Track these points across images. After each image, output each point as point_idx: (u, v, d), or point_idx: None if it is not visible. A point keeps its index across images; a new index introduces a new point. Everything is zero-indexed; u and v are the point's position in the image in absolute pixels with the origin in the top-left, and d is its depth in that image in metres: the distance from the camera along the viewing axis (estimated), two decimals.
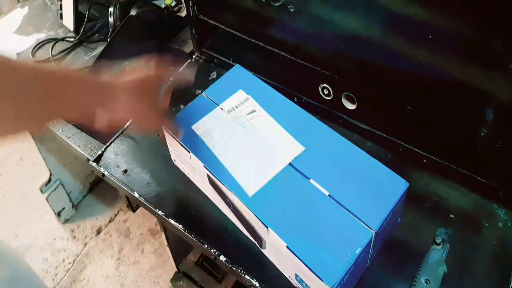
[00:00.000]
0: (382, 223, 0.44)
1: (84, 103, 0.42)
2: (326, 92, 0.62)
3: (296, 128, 0.52)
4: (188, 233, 0.55)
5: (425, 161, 0.57)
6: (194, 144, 0.52)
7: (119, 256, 1.26)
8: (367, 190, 0.47)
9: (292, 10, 0.55)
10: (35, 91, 0.36)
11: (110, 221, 1.34)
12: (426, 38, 0.45)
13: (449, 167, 0.55)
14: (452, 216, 0.53)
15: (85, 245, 1.29)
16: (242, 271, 0.51)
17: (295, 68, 0.62)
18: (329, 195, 0.46)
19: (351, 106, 0.60)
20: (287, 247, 0.43)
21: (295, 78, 0.66)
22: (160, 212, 0.57)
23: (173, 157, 0.60)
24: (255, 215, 0.46)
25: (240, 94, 0.56)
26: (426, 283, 0.46)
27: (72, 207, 1.33)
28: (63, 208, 1.30)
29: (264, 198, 0.47)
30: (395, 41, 0.48)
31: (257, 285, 0.50)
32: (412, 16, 0.44)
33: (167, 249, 0.88)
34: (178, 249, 0.91)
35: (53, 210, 1.27)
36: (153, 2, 0.89)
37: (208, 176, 0.51)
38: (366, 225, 0.44)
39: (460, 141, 0.51)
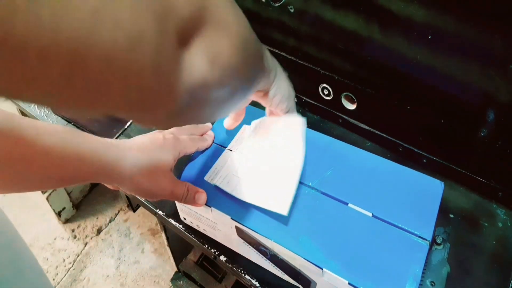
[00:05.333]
0: (434, 230, 0.43)
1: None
2: (326, 92, 0.62)
3: (314, 152, 0.50)
4: (188, 233, 0.55)
5: (425, 161, 0.57)
6: (213, 197, 0.47)
7: (119, 255, 1.26)
8: (406, 200, 0.45)
9: (292, 10, 0.55)
10: None
11: (110, 221, 1.34)
12: (426, 38, 0.45)
13: (449, 167, 0.55)
14: (451, 216, 0.53)
15: (86, 244, 1.29)
16: (242, 271, 0.51)
17: (295, 68, 0.62)
18: (372, 216, 0.44)
19: (351, 106, 0.60)
20: (349, 283, 0.40)
21: (295, 78, 0.65)
22: (160, 212, 0.57)
23: (182, 215, 0.54)
24: (304, 258, 0.42)
25: (245, 130, 0.53)
26: (432, 285, 0.46)
27: (73, 207, 1.33)
28: (64, 208, 1.30)
29: (308, 237, 0.43)
30: (395, 41, 0.48)
31: (257, 285, 0.50)
32: (412, 16, 0.44)
33: (167, 248, 0.89)
34: (178, 249, 0.91)
35: (54, 210, 1.27)
36: None
37: (237, 228, 0.47)
38: (420, 236, 0.42)
39: (460, 141, 0.51)
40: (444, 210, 0.54)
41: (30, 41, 0.14)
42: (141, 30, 0.17)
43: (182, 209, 0.52)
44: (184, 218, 0.54)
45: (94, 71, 0.17)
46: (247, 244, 0.49)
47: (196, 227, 0.54)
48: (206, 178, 0.49)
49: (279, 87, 0.42)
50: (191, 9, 0.21)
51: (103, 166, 0.41)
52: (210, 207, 0.47)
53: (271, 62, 0.39)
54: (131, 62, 0.18)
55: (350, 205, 0.45)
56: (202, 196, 0.47)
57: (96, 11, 0.16)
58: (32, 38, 0.14)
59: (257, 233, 0.44)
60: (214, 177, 0.49)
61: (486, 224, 0.52)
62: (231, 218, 0.46)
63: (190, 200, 0.46)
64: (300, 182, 0.48)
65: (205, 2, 0.22)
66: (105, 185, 0.44)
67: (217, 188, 0.48)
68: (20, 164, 0.36)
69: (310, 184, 0.48)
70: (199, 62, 0.22)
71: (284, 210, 0.43)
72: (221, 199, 0.47)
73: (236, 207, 0.46)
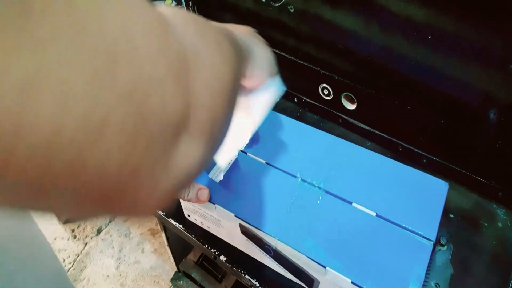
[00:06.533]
0: (437, 231, 0.43)
1: None
2: (326, 92, 0.62)
3: (318, 151, 0.50)
4: (188, 233, 0.55)
5: (424, 161, 0.57)
6: (217, 194, 0.47)
7: (119, 255, 1.26)
8: (411, 200, 0.45)
9: (292, 10, 0.55)
10: None
11: (110, 221, 1.34)
12: (426, 38, 0.45)
13: (449, 167, 0.55)
14: (452, 216, 0.53)
15: (86, 244, 1.29)
16: (242, 271, 0.51)
17: (295, 68, 0.62)
18: (376, 215, 0.44)
19: (351, 106, 0.60)
20: (352, 282, 0.40)
21: (295, 78, 0.66)
22: (160, 212, 0.57)
23: (186, 213, 0.54)
24: (308, 257, 0.42)
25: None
26: (436, 287, 0.46)
27: None
28: None
29: (312, 236, 0.43)
30: (395, 41, 0.48)
31: (257, 285, 0.50)
32: (412, 16, 0.44)
33: (167, 248, 0.88)
34: (178, 248, 0.91)
35: None
36: (153, 2, 0.89)
37: (241, 225, 0.47)
38: (424, 237, 0.42)
39: (460, 141, 0.51)
40: (444, 210, 0.54)
41: None
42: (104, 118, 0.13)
43: (186, 206, 0.52)
44: (188, 215, 0.54)
45: (62, 174, 0.13)
46: (251, 242, 0.49)
47: (200, 224, 0.54)
48: (210, 175, 0.49)
49: (256, 61, 0.38)
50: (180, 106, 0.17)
51: None
52: (214, 204, 0.47)
53: (244, 43, 0.33)
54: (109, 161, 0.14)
55: (354, 204, 0.45)
56: (205, 192, 0.46)
57: (60, 103, 0.12)
58: None
59: (261, 231, 0.44)
60: (219, 174, 0.49)
61: (486, 224, 0.52)
62: (235, 215, 0.46)
63: (192, 197, 0.46)
64: (304, 181, 0.48)
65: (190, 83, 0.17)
66: None
67: (221, 184, 0.48)
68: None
69: (314, 182, 0.48)
70: (196, 142, 0.18)
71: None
72: (225, 196, 0.47)
73: (240, 204, 0.46)
